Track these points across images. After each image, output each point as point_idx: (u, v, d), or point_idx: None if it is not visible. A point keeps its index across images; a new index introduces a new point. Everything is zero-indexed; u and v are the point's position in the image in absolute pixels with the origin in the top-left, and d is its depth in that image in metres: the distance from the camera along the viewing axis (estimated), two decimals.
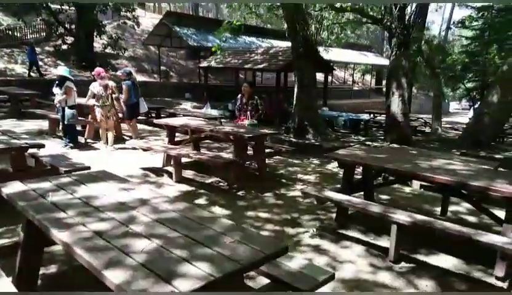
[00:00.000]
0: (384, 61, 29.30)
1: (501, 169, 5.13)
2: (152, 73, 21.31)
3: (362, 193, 4.74)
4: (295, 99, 10.46)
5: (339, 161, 4.37)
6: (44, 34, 19.16)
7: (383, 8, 10.02)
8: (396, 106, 9.74)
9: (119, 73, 8.03)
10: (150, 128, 10.01)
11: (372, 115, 14.83)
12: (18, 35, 19.20)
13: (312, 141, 9.85)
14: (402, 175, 4.21)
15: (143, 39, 21.99)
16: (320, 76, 17.62)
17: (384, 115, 16.63)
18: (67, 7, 16.61)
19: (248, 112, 6.54)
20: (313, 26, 10.35)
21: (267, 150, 6.17)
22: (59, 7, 16.81)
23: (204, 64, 15.36)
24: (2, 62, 17.00)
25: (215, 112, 13.86)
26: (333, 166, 7.21)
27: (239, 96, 6.88)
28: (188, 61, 23.90)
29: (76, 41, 16.95)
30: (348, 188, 4.34)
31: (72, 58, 17.98)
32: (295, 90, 10.43)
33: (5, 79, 14.46)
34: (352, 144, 9.67)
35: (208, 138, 7.03)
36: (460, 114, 33.07)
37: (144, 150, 6.42)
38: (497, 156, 8.89)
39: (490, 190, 3.30)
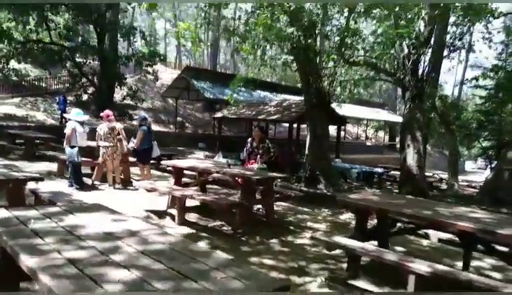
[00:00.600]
0: (397, 118, 29.34)
1: None
2: (168, 124, 21.73)
3: (376, 242, 4.34)
4: (307, 149, 10.29)
5: (352, 205, 4.06)
6: (68, 84, 20.05)
7: (395, 63, 10.10)
8: (410, 158, 9.44)
9: (135, 122, 8.12)
10: (159, 173, 9.88)
11: (386, 170, 14.44)
12: (44, 85, 20.11)
13: (324, 191, 9.50)
14: (421, 221, 3.85)
15: (162, 92, 22.74)
16: (333, 130, 17.61)
17: (398, 171, 16.26)
18: (91, 60, 17.46)
19: (259, 156, 6.37)
20: (326, 79, 10.43)
21: (275, 196, 5.89)
22: (83, 60, 17.69)
23: (218, 115, 15.57)
24: (25, 110, 17.64)
25: (225, 161, 13.76)
26: (345, 217, 6.83)
27: (249, 139, 6.75)
28: (204, 113, 24.43)
29: (97, 91, 17.59)
30: (361, 236, 3.98)
31: (92, 108, 18.56)
32: (307, 140, 10.31)
33: (25, 125, 14.88)
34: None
35: (216, 183, 6.81)
36: (475, 173, 32.18)
37: (149, 190, 6.21)
38: None
39: None
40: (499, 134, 18.53)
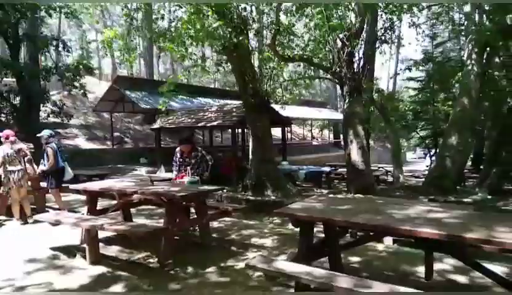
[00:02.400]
0: (339, 116, 29.82)
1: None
2: (105, 140, 19.99)
3: (327, 257, 3.65)
4: (250, 153, 9.58)
5: (292, 218, 3.33)
6: None
7: (331, 57, 9.74)
8: (355, 154, 9.05)
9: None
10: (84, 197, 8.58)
11: (333, 168, 14.17)
12: None
13: (272, 197, 8.83)
14: (375, 230, 3.21)
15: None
16: (279, 132, 17.14)
17: (345, 168, 16.09)
18: (4, 76, 15.37)
19: (189, 168, 5.46)
20: (263, 78, 9.81)
21: (210, 213, 5.03)
22: None
23: (156, 125, 14.38)
24: None
25: (169, 175, 12.63)
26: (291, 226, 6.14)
27: (177, 149, 5.84)
28: (144, 125, 22.88)
29: (16, 111, 15.57)
30: (307, 254, 3.26)
31: (15, 129, 16.44)
32: (250, 144, 9.60)
33: None
34: (314, 197, 8.72)
35: (144, 203, 5.80)
36: (416, 162, 33.70)
37: (53, 224, 5.07)
38: (465, 200, 8.25)
39: (496, 244, 2.35)
40: (434, 123, 19.26)
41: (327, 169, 12.38)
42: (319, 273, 2.72)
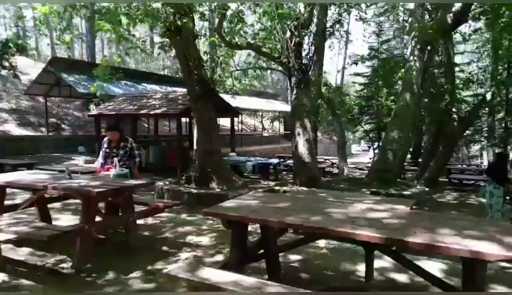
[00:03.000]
0: (289, 108, 30.02)
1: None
2: (39, 126, 18.26)
3: (264, 260, 3.32)
4: (195, 144, 9.04)
5: (222, 218, 2.94)
6: None
7: (279, 47, 9.45)
8: (301, 146, 8.90)
9: None
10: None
11: (281, 159, 14.06)
12: None
13: (217, 190, 8.39)
14: (312, 232, 2.92)
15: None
16: (227, 123, 16.73)
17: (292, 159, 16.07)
18: None
19: (116, 159, 4.85)
20: (209, 64, 9.28)
21: (142, 210, 4.49)
22: None
23: (94, 112, 13.27)
24: None
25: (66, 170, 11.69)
26: None
27: (105, 138, 5.19)
28: (85, 112, 21.27)
29: None
30: (240, 259, 2.89)
31: None
32: (194, 133, 9.06)
33: None
34: (260, 190, 8.44)
35: (70, 197, 5.09)
36: (360, 154, 35.05)
37: None
38: (406, 193, 8.42)
39: (439, 249, 2.13)
40: (377, 117, 19.92)
41: (275, 160, 12.20)
42: (248, 283, 2.36)
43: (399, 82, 17.55)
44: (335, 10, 9.96)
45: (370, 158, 25.62)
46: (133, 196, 4.42)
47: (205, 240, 4.75)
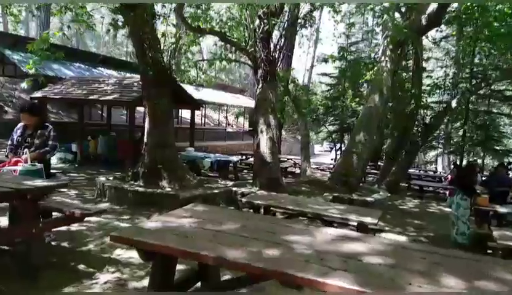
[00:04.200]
0: None
1: None
2: None
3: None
4: (145, 135, 7.99)
5: (136, 247, 2.05)
6: None
7: (247, 35, 8.59)
8: (264, 144, 8.11)
9: None
10: None
11: (243, 157, 13.24)
12: None
13: (167, 189, 7.41)
14: (261, 275, 2.08)
15: None
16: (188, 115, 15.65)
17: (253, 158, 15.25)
18: None
19: (27, 151, 3.76)
20: (166, 48, 8.23)
21: (52, 219, 3.47)
22: None
23: (38, 94, 11.75)
24: None
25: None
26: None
27: (19, 125, 4.08)
28: (33, 94, 19.25)
29: None
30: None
31: None
32: (146, 124, 8.00)
33: None
34: (216, 191, 7.56)
35: None
36: (322, 155, 35.01)
37: None
38: (369, 199, 7.89)
39: None
40: (342, 118, 19.65)
41: (235, 158, 11.34)
42: None
43: (365, 85, 17.38)
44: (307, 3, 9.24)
45: (332, 159, 25.51)
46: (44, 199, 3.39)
47: (137, 256, 3.80)
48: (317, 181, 9.84)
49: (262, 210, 5.29)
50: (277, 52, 8.47)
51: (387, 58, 9.01)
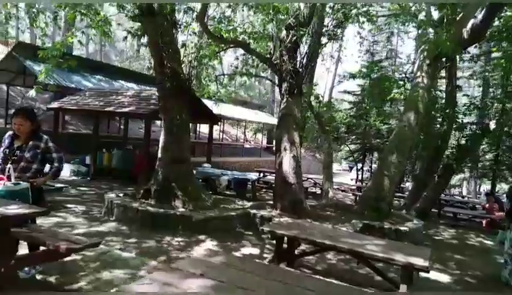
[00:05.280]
0: (275, 121, 28.49)
1: None
2: None
3: None
4: (160, 150, 7.38)
5: None
6: None
7: (272, 46, 7.96)
8: (287, 163, 7.34)
9: None
10: None
11: (261, 174, 12.46)
12: None
13: (181, 209, 6.71)
14: None
15: None
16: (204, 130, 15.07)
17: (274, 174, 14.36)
18: None
19: (10, 166, 3.11)
20: (186, 58, 7.68)
21: (32, 254, 2.79)
22: None
23: (54, 105, 11.40)
24: None
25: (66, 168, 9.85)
26: (201, 249, 4.29)
27: (8, 134, 3.47)
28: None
29: None
30: None
31: None
32: (161, 138, 7.41)
33: None
34: (233, 214, 6.80)
35: None
36: (340, 174, 33.82)
37: None
38: (402, 228, 6.93)
39: None
40: (364, 138, 18.69)
41: (253, 176, 10.59)
42: None
43: (389, 104, 16.46)
44: (333, 15, 8.56)
45: (352, 179, 24.40)
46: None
47: None
48: (342, 205, 8.96)
49: (286, 240, 4.52)
50: (304, 65, 7.81)
51: (423, 74, 8.19)
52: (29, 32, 29.60)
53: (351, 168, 30.65)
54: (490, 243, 8.08)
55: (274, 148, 29.55)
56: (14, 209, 2.41)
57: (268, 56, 8.06)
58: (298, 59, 7.65)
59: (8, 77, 14.88)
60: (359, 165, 20.09)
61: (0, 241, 2.30)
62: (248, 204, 7.85)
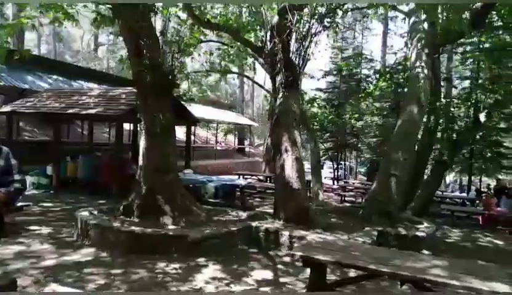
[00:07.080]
0: (246, 121, 27.46)
1: None
2: None
3: None
4: (141, 156, 6.12)
5: None
6: None
7: (264, 34, 6.95)
8: (289, 167, 6.34)
9: None
10: None
11: (248, 180, 11.40)
12: None
13: (170, 226, 5.52)
14: None
15: None
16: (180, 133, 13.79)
17: (256, 177, 13.32)
18: None
19: None
20: (169, 47, 6.46)
21: None
22: None
23: (7, 108, 9.62)
24: None
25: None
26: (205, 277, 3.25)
27: None
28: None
29: None
30: None
31: None
32: (141, 142, 6.15)
33: None
34: (234, 229, 5.71)
35: None
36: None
37: None
38: (419, 234, 6.18)
39: None
40: (339, 135, 18.19)
41: (242, 182, 9.51)
42: None
43: (362, 102, 16.06)
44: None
45: (325, 178, 23.94)
46: None
47: None
48: (343, 210, 8.12)
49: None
50: (301, 54, 6.86)
51: (423, 63, 7.57)
52: None
53: (322, 165, 30.29)
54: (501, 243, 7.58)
55: (246, 149, 28.64)
56: None
57: (260, 44, 7.05)
58: (293, 47, 6.70)
59: None
60: (335, 164, 19.59)
61: None
62: (244, 214, 6.78)
